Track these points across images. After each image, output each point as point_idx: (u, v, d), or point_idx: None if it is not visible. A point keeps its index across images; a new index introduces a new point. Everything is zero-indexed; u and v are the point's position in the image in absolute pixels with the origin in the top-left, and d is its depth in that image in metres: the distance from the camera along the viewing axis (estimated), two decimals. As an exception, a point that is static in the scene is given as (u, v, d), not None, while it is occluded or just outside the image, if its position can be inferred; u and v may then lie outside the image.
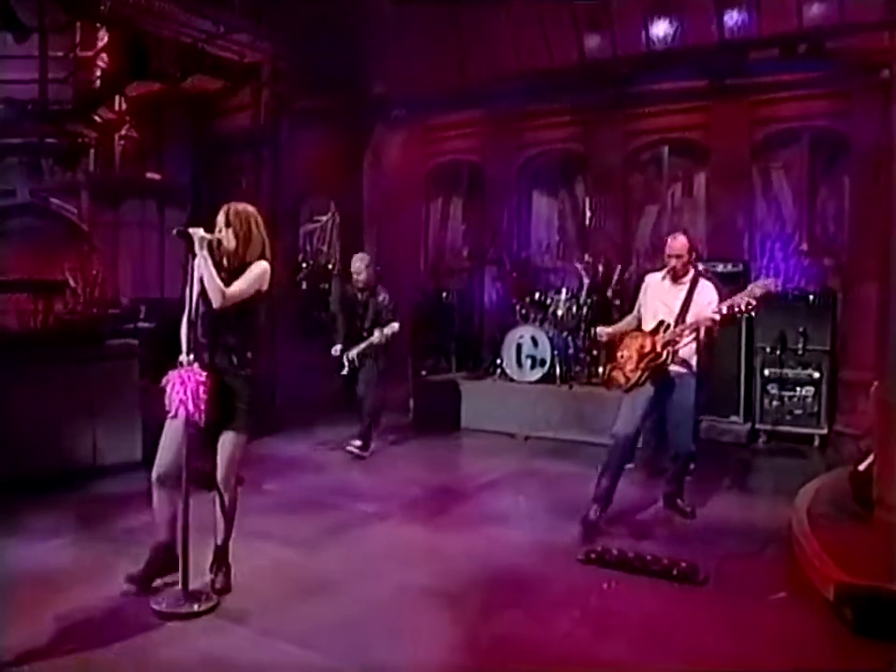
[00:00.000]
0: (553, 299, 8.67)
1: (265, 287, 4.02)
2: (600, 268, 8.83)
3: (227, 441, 4.01)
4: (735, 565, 4.49)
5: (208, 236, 3.90)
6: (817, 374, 7.46)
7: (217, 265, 3.93)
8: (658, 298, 5.26)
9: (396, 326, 7.15)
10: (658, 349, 5.05)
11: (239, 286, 3.92)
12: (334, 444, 7.54)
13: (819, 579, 4.00)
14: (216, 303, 3.84)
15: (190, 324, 3.91)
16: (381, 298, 7.29)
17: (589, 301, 8.37)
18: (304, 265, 12.13)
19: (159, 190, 9.52)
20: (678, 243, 5.19)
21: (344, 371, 7.27)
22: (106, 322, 7.32)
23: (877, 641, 3.54)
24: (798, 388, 7.51)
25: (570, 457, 7.10)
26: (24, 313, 7.86)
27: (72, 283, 8.49)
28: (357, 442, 7.21)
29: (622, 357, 5.23)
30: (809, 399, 7.48)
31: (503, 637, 3.70)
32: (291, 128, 9.12)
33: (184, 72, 7.85)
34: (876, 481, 4.64)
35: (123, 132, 8.91)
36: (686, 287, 5.16)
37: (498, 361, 8.66)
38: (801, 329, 7.45)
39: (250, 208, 4.08)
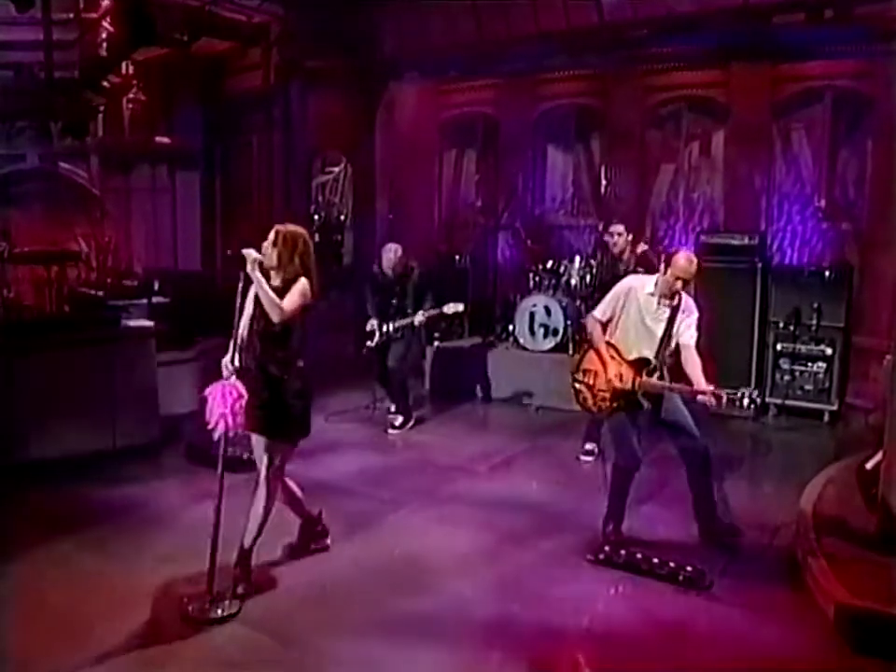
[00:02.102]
0: (566, 266, 8.60)
1: (308, 301, 4.22)
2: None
3: (273, 451, 4.24)
4: (740, 568, 4.59)
5: (259, 257, 4.12)
6: (829, 350, 7.44)
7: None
8: (641, 315, 4.82)
9: (460, 306, 7.29)
10: (638, 396, 4.75)
11: (292, 300, 4.13)
12: (348, 415, 7.67)
13: (821, 593, 4.10)
14: (275, 318, 4.07)
15: (248, 341, 4.23)
16: (415, 276, 7.35)
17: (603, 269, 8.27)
18: (316, 217, 12.02)
19: (169, 154, 9.43)
20: (694, 266, 4.71)
21: (373, 342, 7.32)
22: (121, 298, 7.36)
23: (878, 660, 3.63)
24: (810, 364, 7.51)
25: (581, 432, 7.15)
26: (39, 282, 7.92)
27: (84, 249, 8.51)
28: (399, 419, 7.40)
29: (594, 375, 4.86)
30: (821, 375, 7.48)
31: (516, 646, 3.83)
32: (302, 87, 8.96)
33: (191, 35, 7.70)
34: (882, 482, 4.72)
35: (131, 95, 8.77)
36: (670, 310, 4.78)
37: (511, 328, 8.67)
38: (815, 305, 7.39)
39: (300, 230, 4.31)
